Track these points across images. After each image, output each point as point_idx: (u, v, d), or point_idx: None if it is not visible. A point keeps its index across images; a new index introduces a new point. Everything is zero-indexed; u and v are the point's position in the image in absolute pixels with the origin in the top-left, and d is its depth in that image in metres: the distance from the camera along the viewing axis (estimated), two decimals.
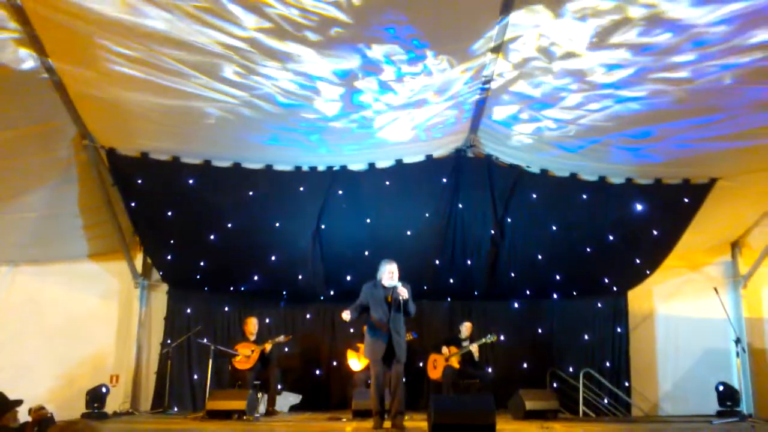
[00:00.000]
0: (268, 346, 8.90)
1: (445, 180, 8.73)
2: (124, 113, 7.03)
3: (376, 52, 5.82)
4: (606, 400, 9.49)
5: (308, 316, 10.26)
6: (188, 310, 9.85)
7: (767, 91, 6.07)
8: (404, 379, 6.74)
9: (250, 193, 8.65)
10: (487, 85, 6.46)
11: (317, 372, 10.03)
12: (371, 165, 8.59)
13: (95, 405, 8.14)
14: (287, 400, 9.70)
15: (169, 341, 9.42)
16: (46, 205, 8.44)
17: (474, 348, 9.09)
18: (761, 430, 7.19)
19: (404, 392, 6.60)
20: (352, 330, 9.77)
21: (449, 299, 10.35)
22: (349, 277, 9.61)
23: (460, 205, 9.09)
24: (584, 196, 8.84)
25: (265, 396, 8.80)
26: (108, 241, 9.48)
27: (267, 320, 9.96)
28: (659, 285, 10.33)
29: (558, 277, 9.87)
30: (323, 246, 9.37)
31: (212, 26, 5.39)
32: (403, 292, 6.53)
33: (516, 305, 10.41)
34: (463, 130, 7.82)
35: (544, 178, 8.68)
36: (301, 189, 8.69)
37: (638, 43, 5.53)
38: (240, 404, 7.56)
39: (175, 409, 9.11)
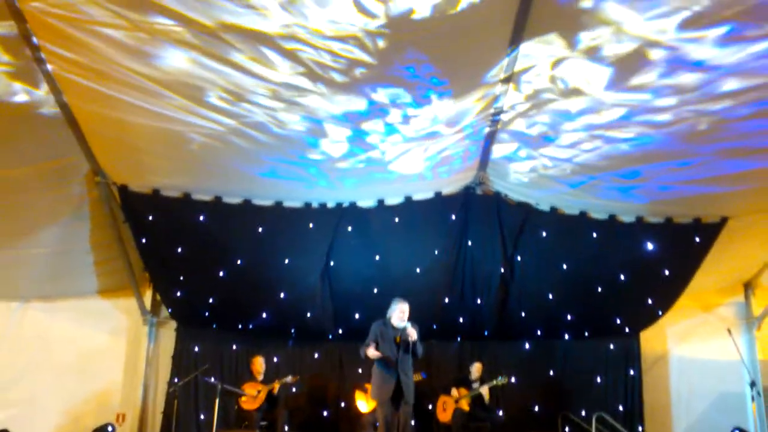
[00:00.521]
0: (276, 387, 8.82)
1: (454, 217, 8.72)
2: (136, 150, 7.13)
3: (392, 92, 5.93)
4: None
5: (316, 355, 10.16)
6: (196, 348, 9.78)
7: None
8: (413, 422, 6.66)
9: (260, 229, 8.65)
10: (498, 117, 6.48)
11: (325, 413, 9.87)
12: (380, 202, 8.61)
13: None
14: None
15: (176, 380, 9.34)
16: (58, 241, 8.48)
17: (485, 390, 8.97)
18: None
19: None
20: (360, 370, 9.68)
21: (459, 339, 10.25)
22: (357, 316, 9.56)
23: (470, 243, 9.05)
24: (594, 235, 8.77)
25: None
26: (118, 277, 9.50)
27: (275, 359, 9.88)
28: (673, 326, 10.19)
29: (569, 317, 9.76)
30: (332, 283, 9.35)
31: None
32: (413, 334, 6.53)
33: (527, 346, 10.28)
34: (472, 167, 7.84)
35: (553, 216, 8.65)
36: (311, 226, 8.69)
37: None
38: None
39: None
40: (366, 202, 8.64)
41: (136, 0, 4.81)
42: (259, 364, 9.13)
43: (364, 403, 9.19)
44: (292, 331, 10.00)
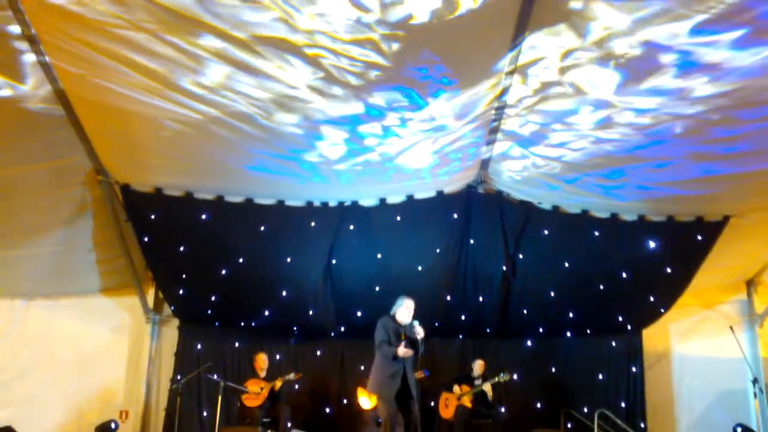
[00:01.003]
0: (278, 384, 8.85)
1: (456, 216, 8.72)
2: (138, 148, 7.12)
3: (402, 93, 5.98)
4: None
5: (318, 352, 10.20)
6: (199, 346, 9.81)
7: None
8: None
9: (262, 228, 8.66)
10: (503, 112, 6.45)
11: (327, 410, 9.92)
12: (382, 200, 8.60)
13: None
14: None
15: (179, 377, 9.37)
16: (61, 240, 8.50)
17: (487, 387, 8.99)
18: None
19: None
20: (362, 367, 9.72)
21: (461, 336, 10.27)
22: (359, 314, 9.61)
23: (472, 241, 9.07)
24: (596, 233, 8.77)
25: None
26: (120, 275, 9.52)
27: (277, 356, 9.91)
28: (675, 323, 10.21)
29: (571, 315, 9.77)
30: (334, 282, 9.37)
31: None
32: (420, 331, 6.56)
33: (529, 343, 10.31)
34: (474, 165, 7.84)
35: (555, 214, 8.64)
36: (313, 224, 8.69)
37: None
38: None
39: None
40: (368, 200, 8.63)
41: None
42: (262, 360, 9.16)
43: (366, 400, 9.22)
44: (294, 328, 10.03)
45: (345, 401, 9.84)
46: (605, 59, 5.27)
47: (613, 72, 5.44)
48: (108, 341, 9.85)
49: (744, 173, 6.96)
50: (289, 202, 8.53)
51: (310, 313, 9.58)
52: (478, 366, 9.46)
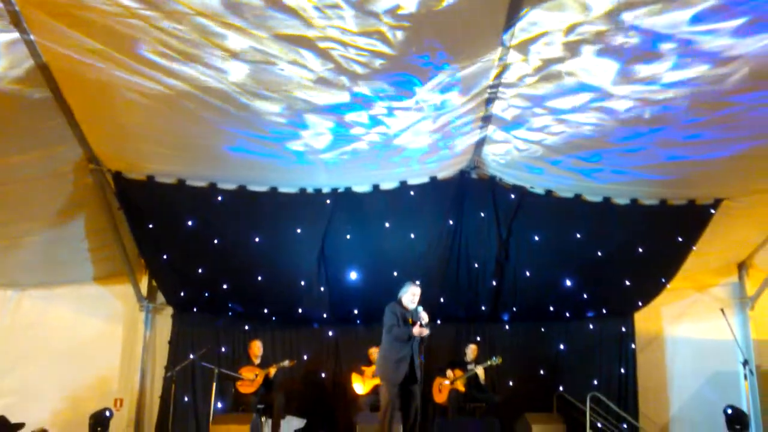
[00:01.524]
0: (272, 371, 8.87)
1: (449, 201, 8.74)
2: (131, 136, 7.08)
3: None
4: (613, 424, 9.37)
5: (312, 339, 10.22)
6: (192, 334, 9.79)
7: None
8: None
9: (255, 215, 8.65)
10: (494, 94, 6.43)
11: (321, 396, 9.96)
12: (375, 187, 8.61)
13: (99, 429, 8.13)
14: (291, 424, 9.62)
15: (173, 365, 9.38)
16: (53, 229, 8.45)
17: (479, 371, 9.04)
18: None
19: None
20: (356, 354, 9.78)
21: (454, 321, 10.30)
22: (353, 300, 9.65)
23: (465, 227, 9.09)
24: (589, 218, 8.82)
25: (269, 420, 8.75)
26: (113, 264, 9.49)
27: (271, 343, 9.92)
28: (666, 306, 10.29)
29: (563, 299, 9.83)
30: (328, 268, 9.38)
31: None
32: (425, 317, 6.62)
33: (521, 328, 10.36)
34: (467, 150, 7.84)
35: (548, 198, 8.68)
36: (306, 211, 8.71)
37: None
38: (243, 428, 7.55)
39: None
40: (361, 187, 8.64)
41: None
42: (256, 347, 9.17)
43: (360, 386, 9.25)
44: (288, 315, 10.02)
45: (339, 387, 9.87)
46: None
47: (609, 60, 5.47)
48: (102, 330, 9.84)
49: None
50: (282, 189, 8.52)
51: (304, 299, 9.59)
52: (471, 350, 9.51)
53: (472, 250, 9.34)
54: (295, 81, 5.84)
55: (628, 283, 9.52)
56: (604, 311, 10.11)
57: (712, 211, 8.52)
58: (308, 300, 9.60)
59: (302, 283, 9.42)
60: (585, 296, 9.79)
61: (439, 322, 9.58)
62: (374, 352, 9.40)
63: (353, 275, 9.43)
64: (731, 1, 4.66)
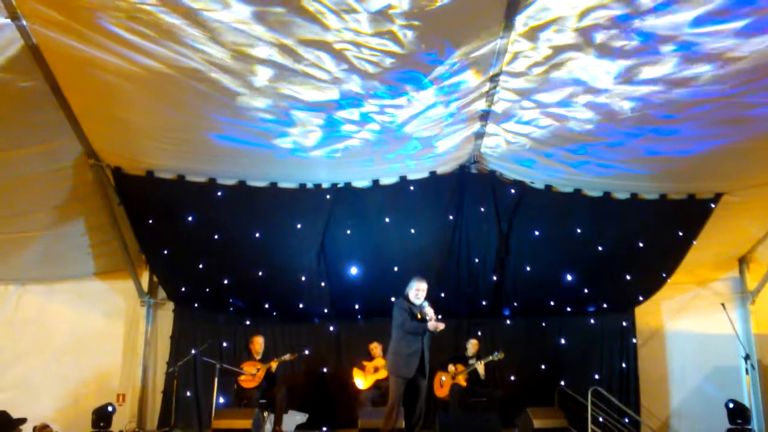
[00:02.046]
0: (273, 365, 8.87)
1: (449, 196, 8.75)
2: (130, 131, 7.09)
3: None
4: (615, 419, 9.38)
5: (313, 334, 10.23)
6: (194, 329, 9.82)
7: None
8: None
9: (255, 210, 8.66)
10: (495, 89, 6.43)
11: (323, 390, 9.97)
12: (375, 182, 8.63)
13: (101, 424, 8.15)
14: (293, 419, 9.63)
15: (175, 360, 9.40)
16: (53, 224, 8.47)
17: (480, 366, 9.04)
18: None
19: None
20: (358, 348, 9.79)
21: (455, 316, 10.29)
22: (353, 294, 9.66)
23: (465, 221, 9.09)
24: (589, 212, 8.83)
25: (271, 415, 8.76)
26: (114, 259, 9.51)
27: (273, 339, 9.92)
28: (667, 301, 10.29)
29: (564, 294, 9.82)
30: (328, 263, 9.39)
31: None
32: (430, 312, 6.64)
33: (522, 322, 10.35)
34: (466, 144, 7.83)
35: (548, 193, 8.69)
36: (306, 206, 8.73)
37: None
38: (245, 423, 7.56)
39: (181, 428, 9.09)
40: (361, 182, 8.65)
41: None
42: (258, 344, 9.17)
43: (361, 381, 9.26)
44: (289, 310, 10.02)
45: (341, 382, 9.88)
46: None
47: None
48: (103, 325, 9.86)
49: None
50: (281, 184, 8.54)
51: (305, 294, 9.60)
52: (472, 345, 9.51)
53: (472, 245, 9.34)
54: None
55: (628, 277, 9.52)
56: (605, 306, 10.10)
57: (712, 205, 8.52)
58: (309, 295, 9.60)
59: (303, 278, 9.43)
60: (586, 291, 9.79)
61: (440, 317, 9.55)
62: (375, 347, 9.42)
63: (354, 270, 9.45)
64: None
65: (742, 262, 10.30)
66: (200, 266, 9.21)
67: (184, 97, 6.28)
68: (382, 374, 9.08)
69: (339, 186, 8.62)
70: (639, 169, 7.78)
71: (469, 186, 8.70)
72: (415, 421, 6.76)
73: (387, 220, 8.99)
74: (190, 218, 8.67)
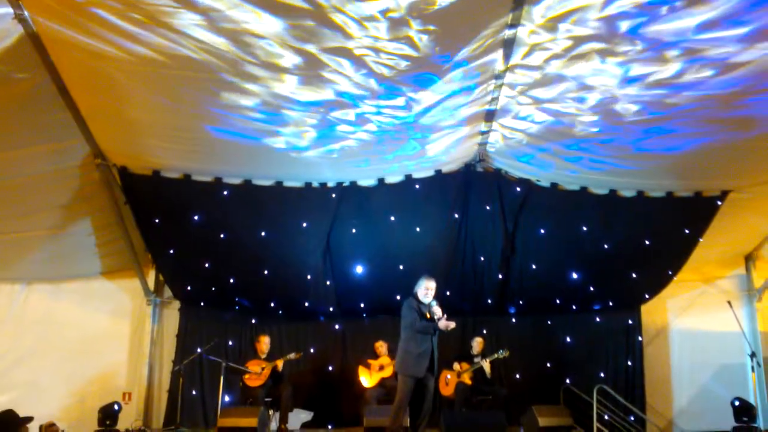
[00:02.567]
0: (279, 363, 8.89)
1: (455, 194, 8.75)
2: (136, 131, 7.09)
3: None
4: (621, 417, 9.36)
5: (319, 333, 10.24)
6: (200, 328, 9.84)
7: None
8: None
9: (261, 209, 8.67)
10: (497, 91, 6.43)
11: (328, 389, 9.98)
12: (380, 180, 8.62)
13: (107, 422, 8.17)
14: (299, 417, 9.66)
15: (181, 358, 9.43)
16: (60, 224, 8.50)
17: (486, 364, 9.04)
18: None
19: None
20: (363, 347, 9.80)
21: (460, 315, 10.28)
22: (359, 293, 9.66)
23: (471, 220, 9.08)
24: (595, 210, 8.81)
25: (277, 413, 8.78)
26: (120, 258, 9.54)
27: (278, 337, 9.94)
28: (673, 299, 10.27)
29: (570, 292, 9.81)
30: (333, 261, 9.40)
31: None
32: (438, 311, 6.67)
33: (528, 321, 10.35)
34: (473, 143, 7.82)
35: (554, 191, 8.67)
36: (311, 205, 8.73)
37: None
38: (251, 421, 7.57)
39: (187, 427, 9.12)
40: (366, 181, 8.65)
41: None
42: (264, 343, 9.18)
43: (366, 379, 9.27)
44: (295, 308, 10.04)
45: (346, 380, 9.88)
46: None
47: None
48: (109, 324, 9.90)
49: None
50: (287, 183, 8.55)
51: (311, 292, 9.62)
52: (477, 343, 9.50)
53: (477, 243, 9.34)
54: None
55: (634, 275, 9.51)
56: (611, 304, 10.07)
57: (719, 202, 8.49)
58: (314, 293, 9.62)
59: (308, 276, 9.45)
60: (591, 289, 9.78)
61: (445, 315, 9.55)
62: (381, 346, 9.43)
63: (359, 269, 9.46)
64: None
65: (749, 259, 10.27)
66: (206, 265, 9.22)
67: (183, 89, 6.24)
68: (388, 372, 9.09)
69: (344, 185, 8.62)
70: (642, 166, 7.76)
71: (475, 184, 8.69)
72: (421, 420, 6.79)
73: (392, 218, 8.99)
74: (196, 217, 8.69)
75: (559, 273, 9.53)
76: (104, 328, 9.83)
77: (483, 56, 5.73)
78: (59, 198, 8.15)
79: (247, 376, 8.82)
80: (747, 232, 9.67)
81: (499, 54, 5.72)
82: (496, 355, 9.01)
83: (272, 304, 9.89)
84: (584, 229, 9.03)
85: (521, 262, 9.50)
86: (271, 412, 8.73)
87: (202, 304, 9.88)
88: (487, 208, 8.98)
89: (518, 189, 8.75)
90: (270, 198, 8.59)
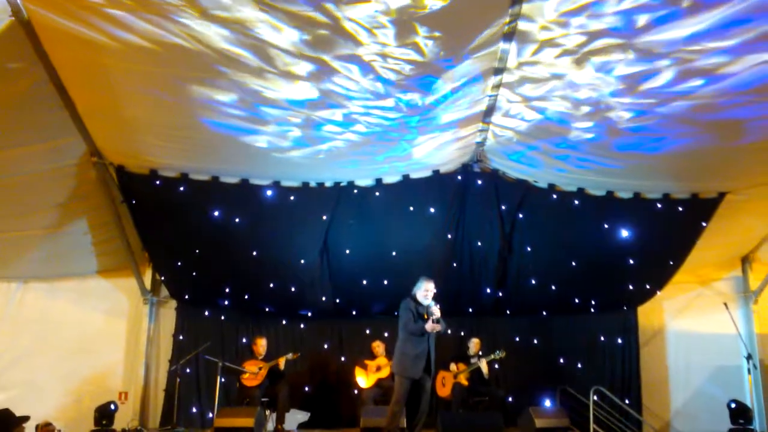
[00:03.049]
0: (281, 361, 8.89)
1: (452, 195, 8.74)
2: (133, 128, 7.07)
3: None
4: (617, 418, 9.37)
5: (316, 333, 10.24)
6: (196, 327, 9.83)
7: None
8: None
9: (258, 209, 8.64)
10: (496, 92, 6.43)
11: (325, 389, 9.98)
12: (378, 181, 8.62)
13: (104, 422, 8.17)
14: (295, 417, 9.65)
15: (177, 358, 9.41)
16: (56, 222, 8.48)
17: (483, 364, 9.04)
18: None
19: None
20: (360, 347, 9.80)
21: (457, 315, 10.29)
22: (356, 293, 9.66)
23: (468, 220, 9.08)
24: (592, 211, 8.81)
25: (274, 414, 8.78)
26: (117, 257, 9.51)
27: (275, 336, 9.94)
28: (669, 300, 10.29)
29: (566, 293, 9.82)
30: (331, 262, 9.39)
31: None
32: (436, 312, 6.67)
33: (525, 322, 10.36)
34: (470, 143, 7.83)
35: (551, 192, 8.68)
36: (309, 205, 8.72)
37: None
38: (248, 421, 7.58)
39: (184, 426, 9.11)
40: (364, 181, 8.64)
41: None
42: (261, 345, 9.16)
43: (363, 379, 9.27)
44: (292, 308, 10.04)
45: (343, 380, 9.88)
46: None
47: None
48: (106, 323, 9.88)
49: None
50: (284, 183, 8.54)
51: (308, 293, 9.62)
52: (473, 344, 9.50)
53: (475, 243, 9.34)
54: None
55: (631, 277, 9.52)
56: (608, 305, 10.09)
57: (716, 204, 8.49)
58: (311, 294, 9.62)
59: (306, 276, 9.44)
60: (588, 290, 9.79)
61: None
62: (378, 346, 9.43)
63: (356, 269, 9.43)
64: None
65: (745, 261, 10.29)
66: (203, 264, 9.21)
67: (179, 82, 6.20)
68: (384, 373, 9.09)
69: (342, 184, 8.61)
70: (626, 165, 7.76)
71: (473, 185, 8.68)
72: (417, 421, 6.80)
73: (390, 218, 8.98)
74: (193, 216, 8.65)
75: (556, 274, 9.54)
76: (101, 327, 9.81)
77: (483, 57, 5.74)
78: (56, 197, 8.12)
79: (244, 375, 8.81)
80: (743, 234, 9.68)
81: (498, 53, 5.71)
82: (492, 356, 9.01)
83: (269, 303, 9.89)
84: (581, 229, 9.01)
85: (518, 263, 9.50)
86: (267, 412, 8.73)
87: (198, 303, 9.87)
88: (485, 208, 8.96)
89: (515, 190, 8.75)
90: (267, 197, 8.56)
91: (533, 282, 9.66)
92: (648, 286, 9.74)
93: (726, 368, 9.82)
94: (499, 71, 6.02)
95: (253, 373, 8.83)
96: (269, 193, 8.53)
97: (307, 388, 9.94)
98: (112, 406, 8.34)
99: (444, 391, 9.23)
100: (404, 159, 8.00)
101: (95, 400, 8.56)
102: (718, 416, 8.76)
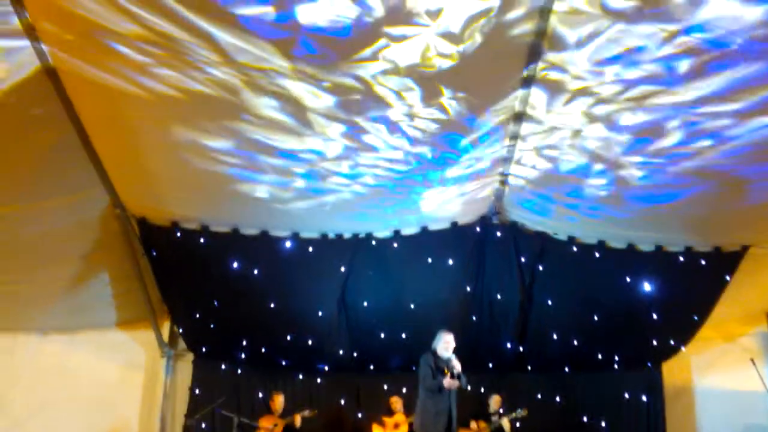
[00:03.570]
0: (297, 418, 8.77)
1: (471, 247, 8.72)
2: (156, 180, 7.17)
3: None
4: None
5: (333, 388, 10.10)
6: (213, 381, 9.74)
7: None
8: None
9: (277, 261, 8.65)
10: (513, 142, 6.47)
11: None
12: (396, 232, 8.62)
13: None
14: None
15: (193, 412, 9.30)
16: (78, 274, 8.51)
17: (505, 423, 8.85)
18: None
19: None
20: (377, 404, 9.64)
21: (477, 371, 10.12)
22: (375, 347, 9.55)
23: (487, 273, 9.02)
24: (614, 265, 8.72)
25: None
26: (136, 309, 9.50)
27: (292, 392, 9.82)
28: (695, 356, 10.07)
29: (589, 348, 9.64)
30: (349, 315, 9.32)
31: None
32: (457, 365, 6.61)
33: (546, 378, 10.16)
34: (487, 196, 7.85)
35: (571, 245, 8.62)
36: (327, 256, 8.71)
37: None
38: None
39: None
40: (382, 232, 8.65)
41: None
42: (279, 402, 9.09)
43: None
44: (309, 362, 9.94)
45: None
46: None
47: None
48: (123, 376, 9.80)
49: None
50: (303, 234, 8.56)
51: (325, 347, 9.53)
52: (494, 401, 9.34)
53: (494, 297, 9.26)
54: None
55: (654, 332, 9.35)
56: (632, 362, 9.89)
57: (739, 258, 8.37)
58: (329, 346, 9.53)
59: (323, 330, 9.36)
60: (611, 345, 9.62)
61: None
62: (396, 402, 9.29)
63: (374, 322, 9.35)
64: None
65: None
66: (221, 316, 9.18)
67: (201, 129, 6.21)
68: (403, 430, 8.92)
69: (360, 236, 8.63)
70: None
71: (491, 237, 8.66)
72: None
73: (408, 271, 8.95)
74: (212, 268, 8.67)
75: (577, 327, 9.40)
76: (118, 380, 9.74)
77: (502, 111, 5.83)
78: (78, 248, 8.16)
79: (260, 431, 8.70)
80: (767, 288, 9.50)
81: (516, 106, 5.80)
82: (514, 414, 8.86)
83: (286, 358, 9.81)
84: (603, 283, 8.91)
85: (539, 316, 9.37)
86: None
87: (216, 357, 9.79)
88: (504, 261, 8.92)
89: (534, 242, 8.71)
90: (286, 249, 8.58)
91: (555, 336, 9.51)
92: (672, 342, 9.56)
93: (755, 426, 9.50)
94: (517, 123, 6.09)
95: (268, 430, 8.71)
96: (288, 244, 8.55)
97: None
98: None
99: None
100: (415, 212, 8.02)
101: None
102: None
